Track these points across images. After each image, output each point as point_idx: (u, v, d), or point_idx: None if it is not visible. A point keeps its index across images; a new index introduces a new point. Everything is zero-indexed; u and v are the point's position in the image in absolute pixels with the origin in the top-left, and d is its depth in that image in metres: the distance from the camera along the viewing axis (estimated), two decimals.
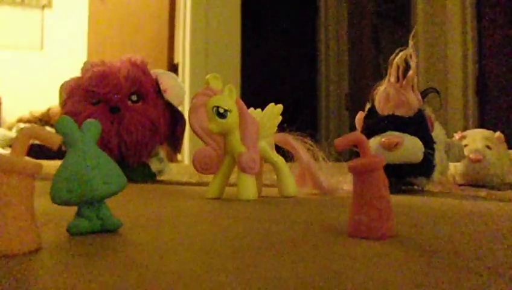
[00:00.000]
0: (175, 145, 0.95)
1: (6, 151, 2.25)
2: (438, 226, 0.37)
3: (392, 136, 0.62)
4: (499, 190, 0.75)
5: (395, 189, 0.66)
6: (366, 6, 3.04)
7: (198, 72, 2.43)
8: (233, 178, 0.58)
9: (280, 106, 0.61)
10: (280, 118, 0.61)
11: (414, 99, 0.64)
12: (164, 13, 3.01)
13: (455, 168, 0.85)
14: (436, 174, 0.67)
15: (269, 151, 0.60)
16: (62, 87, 0.90)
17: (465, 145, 0.84)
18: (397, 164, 0.61)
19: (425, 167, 0.64)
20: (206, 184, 0.72)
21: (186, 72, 2.50)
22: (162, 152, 0.95)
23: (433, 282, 0.20)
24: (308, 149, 0.63)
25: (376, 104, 0.67)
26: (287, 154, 0.62)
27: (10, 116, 2.96)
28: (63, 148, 0.31)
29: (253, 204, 0.51)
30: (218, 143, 0.57)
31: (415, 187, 0.70)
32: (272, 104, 0.61)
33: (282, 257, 0.25)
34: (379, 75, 0.69)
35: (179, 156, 2.31)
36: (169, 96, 0.89)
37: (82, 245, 0.28)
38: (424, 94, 0.68)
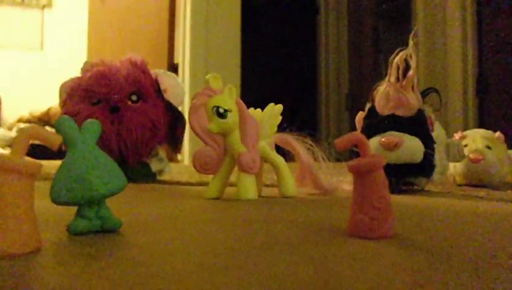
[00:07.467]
0: (175, 145, 0.95)
1: (6, 151, 2.24)
2: (438, 226, 0.37)
3: (392, 136, 0.62)
4: (498, 190, 0.75)
5: (395, 189, 0.66)
6: (366, 7, 3.04)
7: (198, 72, 2.42)
8: (233, 178, 0.58)
9: (280, 106, 0.61)
10: (280, 118, 0.61)
11: (414, 99, 0.64)
12: (164, 13, 3.00)
13: (455, 168, 0.85)
14: (436, 174, 0.67)
15: (269, 151, 0.60)
16: (62, 87, 0.90)
17: (465, 145, 0.84)
18: (397, 164, 0.61)
19: (425, 167, 0.64)
20: (206, 184, 0.72)
21: (186, 72, 2.50)
22: (162, 152, 0.95)
23: (433, 282, 0.20)
24: (308, 149, 0.63)
25: (376, 104, 0.67)
26: (287, 154, 0.62)
27: (10, 116, 2.96)
28: (63, 148, 0.31)
29: (253, 204, 0.51)
30: (218, 143, 0.57)
31: (415, 187, 0.70)
32: (271, 104, 0.61)
33: (282, 257, 0.25)
34: (379, 75, 0.69)
35: (179, 156, 2.31)
36: (169, 96, 0.89)
37: (82, 245, 0.28)
38: (424, 94, 0.68)
